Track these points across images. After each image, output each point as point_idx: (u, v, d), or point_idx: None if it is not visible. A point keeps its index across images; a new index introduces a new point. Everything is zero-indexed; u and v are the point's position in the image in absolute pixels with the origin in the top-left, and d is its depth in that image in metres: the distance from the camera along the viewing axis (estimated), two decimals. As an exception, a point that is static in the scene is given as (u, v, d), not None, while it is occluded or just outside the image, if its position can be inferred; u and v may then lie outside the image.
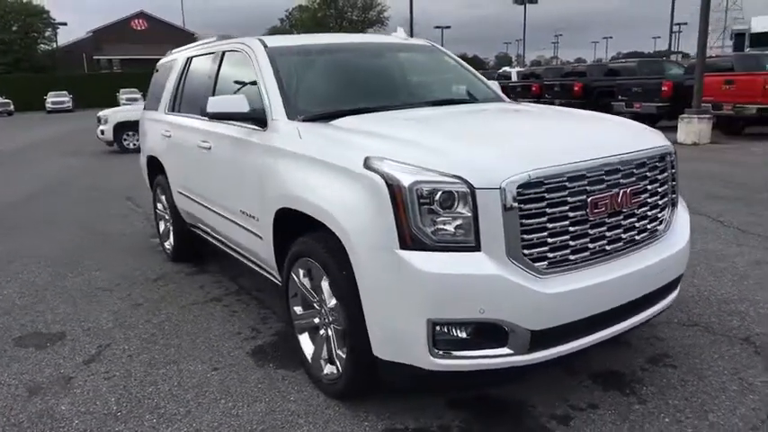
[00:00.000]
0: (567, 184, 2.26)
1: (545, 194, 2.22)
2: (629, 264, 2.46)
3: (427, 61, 3.96)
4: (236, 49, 3.68)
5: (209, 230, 4.22)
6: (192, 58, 4.51)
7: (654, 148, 2.61)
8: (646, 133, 2.78)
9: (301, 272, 2.83)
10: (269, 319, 3.72)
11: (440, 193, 2.15)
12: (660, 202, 2.66)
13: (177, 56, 4.93)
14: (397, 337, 2.25)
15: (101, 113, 14.36)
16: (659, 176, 2.62)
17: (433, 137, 2.57)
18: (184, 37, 57.71)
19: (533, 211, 2.20)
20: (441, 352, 2.20)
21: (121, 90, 39.74)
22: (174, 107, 4.61)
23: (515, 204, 2.15)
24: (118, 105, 27.93)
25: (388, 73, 3.77)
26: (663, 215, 2.69)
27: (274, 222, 2.95)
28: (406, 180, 2.16)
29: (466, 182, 2.13)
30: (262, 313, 3.83)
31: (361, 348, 2.41)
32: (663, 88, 13.54)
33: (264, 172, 2.98)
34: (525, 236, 2.18)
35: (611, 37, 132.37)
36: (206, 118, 3.82)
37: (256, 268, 3.57)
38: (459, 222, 2.16)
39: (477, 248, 2.16)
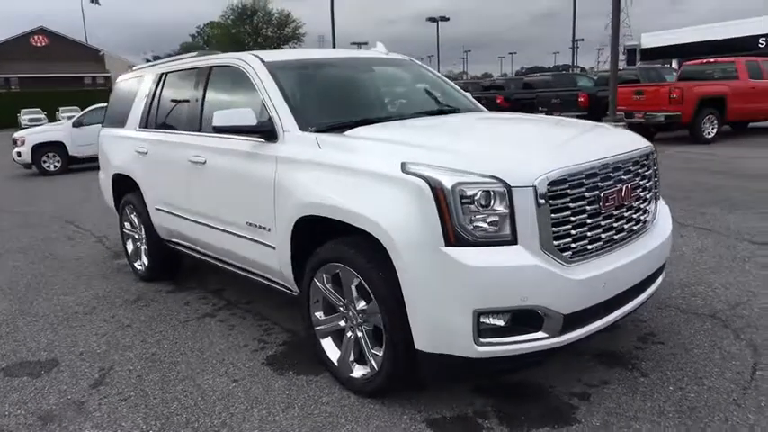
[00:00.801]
0: (584, 180, 2.53)
1: (568, 190, 2.47)
2: (631, 252, 2.75)
3: (412, 74, 4.17)
4: (229, 64, 3.71)
5: (195, 246, 4.18)
6: (166, 74, 4.46)
7: (642, 148, 2.95)
8: (632, 136, 3.12)
9: (325, 277, 2.92)
10: (272, 330, 3.75)
11: (479, 192, 2.34)
12: (648, 196, 2.99)
13: (143, 72, 4.84)
14: (443, 329, 2.41)
15: (17, 134, 13.50)
16: (647, 173, 2.96)
17: (456, 142, 2.77)
18: (89, 54, 55.00)
19: (559, 205, 2.44)
20: (484, 340, 2.39)
21: (23, 111, 37.12)
22: (149, 123, 4.53)
23: (545, 200, 2.38)
24: (20, 127, 26.10)
25: (383, 85, 3.95)
26: (650, 207, 3.03)
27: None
28: (448, 182, 2.34)
29: (502, 181, 2.34)
30: (262, 325, 3.84)
31: (402, 344, 2.55)
32: (579, 99, 14.60)
33: (281, 183, 3.05)
34: (554, 228, 2.42)
35: (515, 53, 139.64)
36: (197, 132, 3.85)
37: (259, 279, 3.58)
38: (497, 219, 2.36)
39: (514, 242, 2.37)
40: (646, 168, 2.94)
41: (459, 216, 2.33)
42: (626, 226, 2.77)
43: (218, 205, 3.66)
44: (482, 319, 2.37)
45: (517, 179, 2.35)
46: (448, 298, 2.37)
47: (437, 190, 2.34)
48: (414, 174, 2.41)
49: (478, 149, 2.65)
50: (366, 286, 2.65)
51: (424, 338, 2.47)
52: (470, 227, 2.35)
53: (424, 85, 4.11)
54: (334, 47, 26.14)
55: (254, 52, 3.66)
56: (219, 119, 3.20)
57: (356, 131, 3.05)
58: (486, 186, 2.34)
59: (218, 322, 3.95)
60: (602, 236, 2.63)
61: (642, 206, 2.92)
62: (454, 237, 2.34)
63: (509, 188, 2.34)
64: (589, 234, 2.56)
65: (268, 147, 3.19)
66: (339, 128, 3.13)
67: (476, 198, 2.34)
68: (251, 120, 3.17)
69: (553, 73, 22.84)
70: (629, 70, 17.00)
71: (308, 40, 61.58)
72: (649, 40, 48.59)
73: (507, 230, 2.36)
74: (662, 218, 3.12)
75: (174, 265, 4.90)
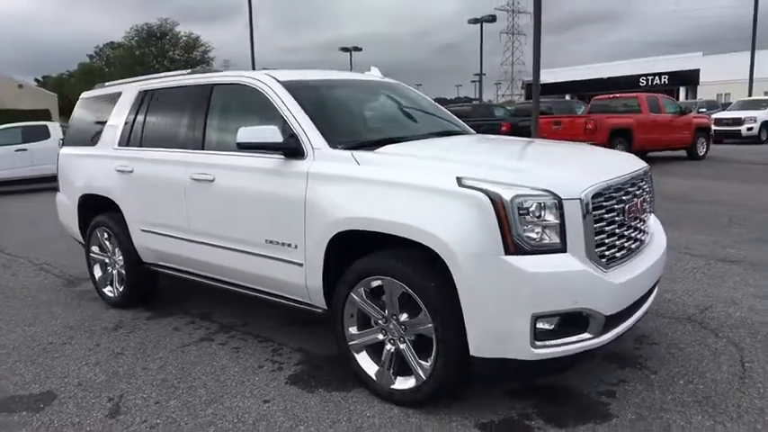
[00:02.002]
0: (613, 194, 2.79)
1: (603, 203, 2.72)
2: (644, 259, 3.04)
3: (409, 97, 4.33)
4: (238, 82, 3.68)
5: (190, 267, 4.03)
6: (152, 91, 4.32)
7: (644, 166, 3.28)
8: (631, 156, 3.46)
9: (364, 291, 2.96)
10: (280, 351, 3.68)
11: (535, 204, 2.52)
12: (649, 209, 3.33)
13: (121, 89, 4.64)
14: (502, 334, 2.54)
15: None
16: (648, 188, 3.29)
17: (493, 160, 2.96)
18: (-30, 72, 50.22)
19: (597, 216, 2.68)
20: (539, 343, 2.54)
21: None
22: (131, 141, 4.34)
23: (589, 211, 2.61)
24: None
25: (392, 106, 4.07)
26: (650, 220, 3.36)
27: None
28: (507, 195, 2.50)
29: (554, 194, 2.54)
30: (268, 346, 3.77)
31: (456, 352, 2.65)
32: (502, 128, 15.48)
33: (313, 199, 3.06)
34: (596, 237, 2.65)
35: (420, 84, 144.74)
36: (200, 150, 3.77)
37: (271, 298, 3.53)
38: (549, 229, 2.55)
39: (563, 250, 2.56)
40: (647, 184, 3.28)
41: (517, 226, 2.50)
42: (638, 236, 3.07)
43: (229, 223, 3.58)
44: (537, 323, 2.53)
45: (566, 192, 2.56)
46: (509, 304, 2.51)
47: (497, 203, 2.50)
48: (472, 188, 2.55)
49: (520, 166, 2.85)
50: (416, 298, 2.73)
51: (482, 344, 2.58)
52: (526, 236, 2.52)
53: (424, 108, 4.28)
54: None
55: (265, 71, 3.67)
56: (244, 135, 3.18)
57: (386, 149, 3.15)
58: (539, 199, 2.53)
59: (220, 346, 3.82)
60: (626, 244, 2.90)
61: (647, 218, 3.24)
62: (513, 246, 2.50)
63: (560, 200, 2.54)
64: (617, 243, 2.82)
65: (295, 163, 3.21)
66: (366, 145, 3.21)
67: (531, 209, 2.52)
68: (277, 137, 3.17)
69: (473, 104, 24.02)
70: (542, 102, 18.24)
71: (214, 65, 60.55)
72: (546, 77, 52.68)
73: (557, 239, 2.56)
74: (657, 230, 3.46)
75: (151, 290, 4.67)
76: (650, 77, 44.23)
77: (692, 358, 3.35)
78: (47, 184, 13.95)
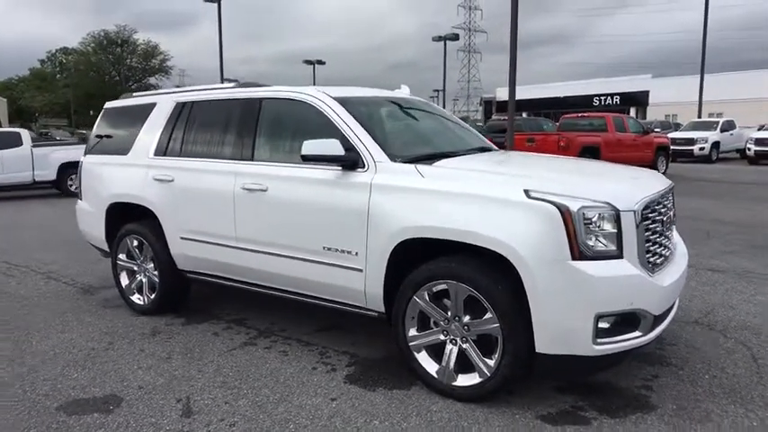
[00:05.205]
0: (656, 207, 3.13)
1: (649, 214, 3.04)
2: (675, 267, 3.37)
3: (441, 115, 4.59)
4: (291, 97, 3.85)
5: (233, 274, 4.14)
6: (192, 103, 4.43)
7: (670, 184, 3.64)
8: (659, 174, 3.81)
9: (427, 294, 3.18)
10: (327, 354, 3.85)
11: (597, 215, 2.82)
12: (674, 222, 3.68)
13: (155, 99, 4.73)
14: (568, 332, 2.80)
15: None
16: (673, 203, 3.65)
17: (548, 174, 3.25)
18: None
19: (645, 226, 3.00)
20: (600, 340, 2.83)
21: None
22: (169, 151, 4.44)
23: (641, 222, 2.92)
24: None
25: (430, 123, 4.32)
26: (673, 231, 3.71)
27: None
28: (574, 206, 2.79)
29: (613, 206, 2.84)
30: (314, 350, 3.92)
31: (522, 349, 2.90)
32: (476, 144, 16.00)
33: (377, 209, 3.27)
34: (646, 245, 2.96)
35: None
36: (250, 161, 3.93)
37: (321, 303, 3.70)
38: (608, 237, 2.85)
39: (620, 256, 2.86)
40: (672, 199, 3.64)
41: (582, 235, 2.78)
42: (669, 245, 3.41)
43: (282, 231, 3.73)
44: (599, 323, 2.82)
45: (623, 204, 2.87)
46: (575, 305, 2.78)
47: (565, 213, 2.78)
48: (541, 199, 2.83)
49: (573, 180, 3.14)
50: (483, 300, 2.97)
51: (548, 342, 2.84)
52: (589, 243, 2.81)
53: (456, 125, 4.56)
54: (222, 81, 25.71)
55: (318, 87, 3.86)
56: (308, 148, 3.37)
57: (443, 163, 3.39)
58: (601, 210, 2.83)
59: (266, 350, 3.95)
60: (663, 252, 3.23)
61: (672, 230, 3.59)
62: (578, 252, 2.78)
63: (618, 212, 2.85)
64: (658, 251, 3.15)
65: (354, 175, 3.41)
66: (420, 159, 3.45)
67: (594, 219, 2.82)
68: (339, 150, 3.38)
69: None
70: (515, 119, 18.92)
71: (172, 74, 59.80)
72: (503, 94, 54.50)
73: (615, 246, 2.86)
74: (679, 242, 3.82)
75: (183, 298, 4.75)
76: (603, 97, 46.19)
77: (710, 356, 3.71)
78: (19, 192, 13.58)
